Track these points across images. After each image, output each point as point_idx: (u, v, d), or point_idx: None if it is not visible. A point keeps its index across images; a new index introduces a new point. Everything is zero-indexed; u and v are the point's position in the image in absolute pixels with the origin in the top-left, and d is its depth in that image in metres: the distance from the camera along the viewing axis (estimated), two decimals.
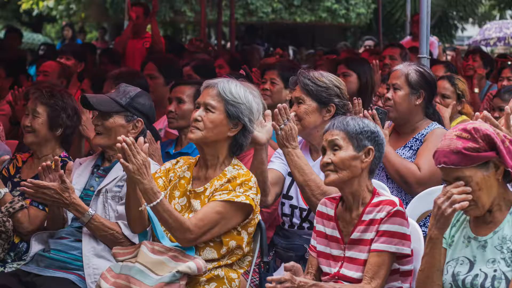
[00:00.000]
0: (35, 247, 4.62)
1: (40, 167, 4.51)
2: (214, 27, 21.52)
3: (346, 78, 6.86)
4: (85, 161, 4.84)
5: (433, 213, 3.49)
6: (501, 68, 8.48)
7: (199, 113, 4.16)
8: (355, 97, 5.40)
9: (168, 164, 4.35)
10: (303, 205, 4.64)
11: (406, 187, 4.96)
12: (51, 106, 4.92)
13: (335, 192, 4.15)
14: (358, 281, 3.82)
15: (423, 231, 4.10)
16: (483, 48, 16.68)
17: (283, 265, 3.92)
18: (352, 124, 3.92)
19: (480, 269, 3.49)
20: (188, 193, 4.21)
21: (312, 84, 4.65)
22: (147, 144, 4.01)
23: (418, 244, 3.93)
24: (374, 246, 3.80)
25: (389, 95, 5.10)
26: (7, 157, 5.02)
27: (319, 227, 4.02)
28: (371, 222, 3.83)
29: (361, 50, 14.27)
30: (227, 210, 4.05)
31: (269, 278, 3.69)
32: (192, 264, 3.99)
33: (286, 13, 22.17)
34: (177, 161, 4.36)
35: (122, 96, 4.66)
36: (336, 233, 3.94)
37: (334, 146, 3.90)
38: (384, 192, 4.05)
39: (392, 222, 3.80)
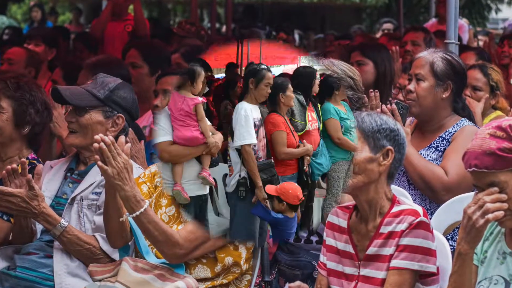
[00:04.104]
0: None
1: (4, 171, 4.51)
2: (207, 8, 21.52)
3: (361, 67, 6.87)
4: (57, 164, 4.85)
5: (462, 224, 3.49)
6: None
7: None
8: (371, 90, 5.41)
9: (153, 168, 4.36)
10: None
11: (431, 194, 4.96)
12: (17, 100, 4.93)
13: (348, 200, 4.15)
14: None
15: (450, 245, 4.10)
16: None
17: (287, 285, 3.92)
18: (368, 120, 3.92)
19: None
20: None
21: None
22: (129, 144, 4.02)
23: (445, 260, 3.93)
24: (394, 263, 3.80)
25: (411, 87, 5.10)
26: None
27: (329, 241, 4.03)
28: (390, 235, 3.83)
29: (378, 35, 14.29)
30: None
31: None
32: (181, 284, 4.00)
33: None
34: None
35: (100, 89, 4.67)
36: (350, 248, 3.95)
37: None
38: (406, 200, 4.06)
39: (414, 235, 3.80)
